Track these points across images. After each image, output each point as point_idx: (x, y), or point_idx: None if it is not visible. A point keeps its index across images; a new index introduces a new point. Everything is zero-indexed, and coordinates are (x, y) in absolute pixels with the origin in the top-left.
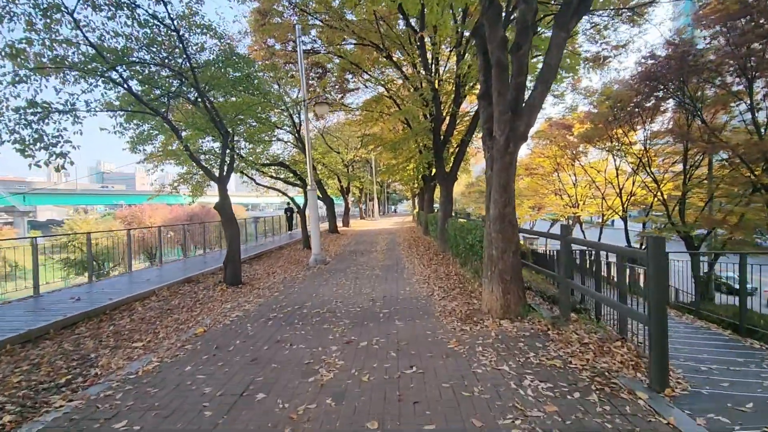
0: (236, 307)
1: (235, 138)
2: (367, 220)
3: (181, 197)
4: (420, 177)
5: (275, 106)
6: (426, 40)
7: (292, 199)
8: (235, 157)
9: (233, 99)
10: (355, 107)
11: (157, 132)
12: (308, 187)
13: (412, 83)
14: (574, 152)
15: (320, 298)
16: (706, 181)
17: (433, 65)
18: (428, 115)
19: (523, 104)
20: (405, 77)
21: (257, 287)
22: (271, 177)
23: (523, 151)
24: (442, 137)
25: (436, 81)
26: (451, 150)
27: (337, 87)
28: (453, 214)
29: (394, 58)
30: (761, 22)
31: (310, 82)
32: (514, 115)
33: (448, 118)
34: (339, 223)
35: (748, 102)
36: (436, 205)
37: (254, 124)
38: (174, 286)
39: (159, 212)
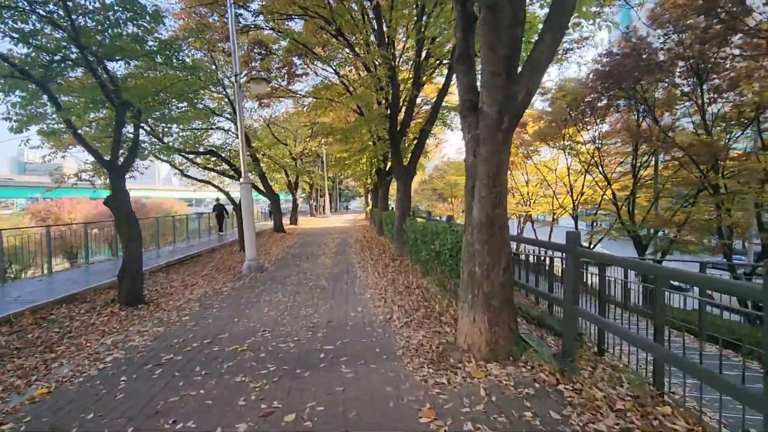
0: (120, 343)
1: (163, 124)
2: (317, 217)
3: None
4: (374, 171)
5: (205, 84)
6: (382, 8)
7: (227, 194)
8: (150, 141)
9: (154, 74)
10: (303, 94)
11: (47, 108)
12: (242, 180)
13: (364, 60)
14: (528, 150)
15: (243, 326)
16: (651, 182)
17: (391, 48)
18: (384, 101)
19: (518, 67)
20: (356, 54)
21: (163, 308)
22: (205, 168)
23: None
24: (399, 126)
25: (393, 59)
26: (408, 142)
27: (283, 72)
28: (411, 213)
29: (346, 35)
30: (713, 22)
31: (253, 64)
32: (509, 78)
33: (405, 106)
34: (286, 221)
35: (699, 102)
36: (392, 203)
37: (182, 105)
38: (47, 307)
39: (81, 207)
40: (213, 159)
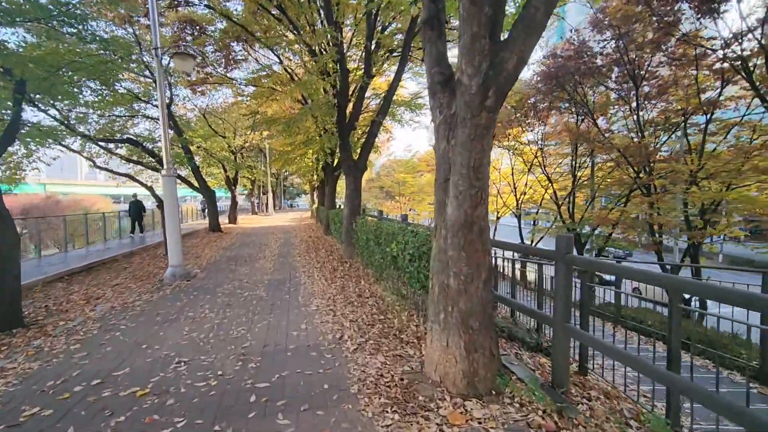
0: None
1: (76, 109)
2: (260, 215)
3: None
4: (320, 167)
5: (124, 61)
6: None
7: (150, 188)
8: (57, 126)
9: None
10: (241, 81)
11: None
12: (164, 172)
13: (310, 43)
14: None
15: (152, 356)
16: (588, 182)
17: (338, 33)
18: (332, 89)
19: (502, 33)
20: (300, 36)
21: (48, 332)
22: (128, 160)
23: (425, 147)
24: (348, 118)
25: (341, 43)
26: (358, 136)
27: (219, 56)
28: (361, 212)
29: (289, 14)
30: (647, 31)
31: (183, 46)
32: (495, 42)
33: (354, 97)
34: (224, 220)
35: (633, 107)
36: (339, 201)
37: (100, 89)
38: None
39: None
40: (139, 150)
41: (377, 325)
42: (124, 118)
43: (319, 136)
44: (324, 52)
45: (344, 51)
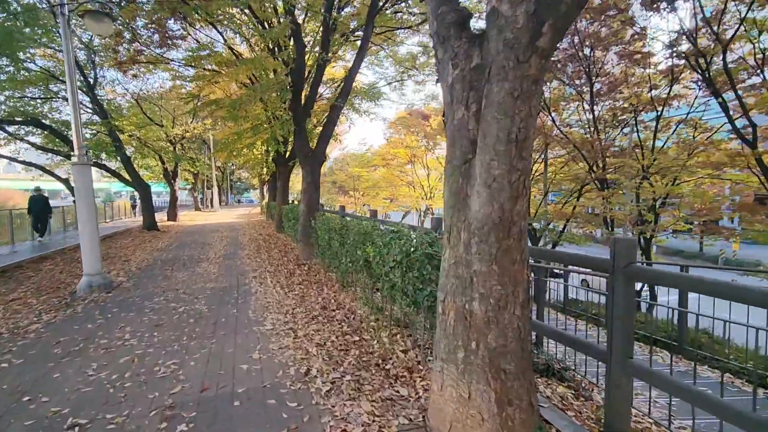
0: None
1: None
2: (204, 212)
3: None
4: (271, 159)
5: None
6: None
7: (65, 180)
8: None
9: None
10: (179, 63)
11: None
12: (75, 159)
13: (257, 12)
14: (430, 143)
15: (31, 417)
16: (541, 176)
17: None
18: (284, 66)
19: None
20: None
21: None
22: (37, 147)
23: (379, 140)
24: (304, 101)
25: (295, 10)
26: (313, 124)
27: (154, 34)
28: (320, 207)
29: None
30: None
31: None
32: None
33: (310, 79)
34: (163, 217)
35: (589, 103)
36: (292, 195)
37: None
38: None
39: None
40: (54, 138)
41: (352, 351)
42: (38, 101)
43: (269, 122)
44: (275, 24)
45: (299, 23)
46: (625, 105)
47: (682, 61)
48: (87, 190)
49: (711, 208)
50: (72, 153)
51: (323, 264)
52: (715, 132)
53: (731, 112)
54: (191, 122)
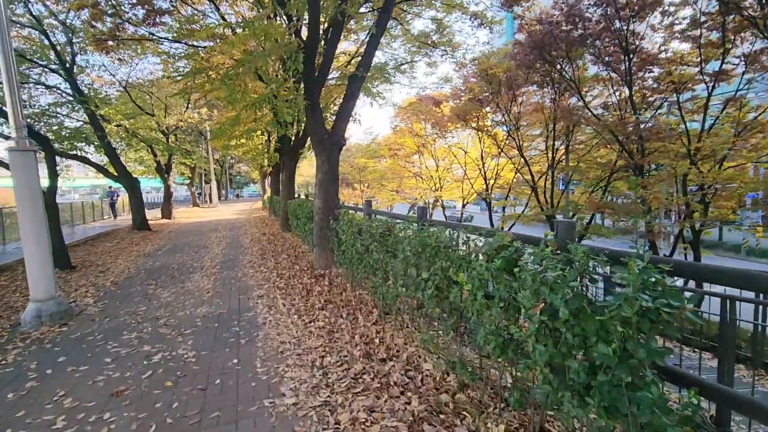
0: None
1: None
2: (203, 207)
3: None
4: (273, 148)
5: None
6: None
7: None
8: None
9: None
10: (163, 37)
11: None
12: (11, 144)
13: None
14: (441, 131)
15: None
16: (562, 165)
17: None
18: (289, 20)
19: None
20: None
21: None
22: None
23: (385, 130)
24: (318, 68)
25: None
26: (325, 102)
27: (137, 7)
28: (339, 206)
29: None
30: None
31: None
32: None
33: (324, 41)
34: (157, 214)
35: (627, 80)
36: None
37: None
38: None
39: None
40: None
41: None
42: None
43: (270, 101)
44: None
45: None
46: (661, 83)
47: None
48: (30, 184)
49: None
50: (7, 133)
51: (348, 275)
52: (764, 111)
53: None
54: (185, 111)
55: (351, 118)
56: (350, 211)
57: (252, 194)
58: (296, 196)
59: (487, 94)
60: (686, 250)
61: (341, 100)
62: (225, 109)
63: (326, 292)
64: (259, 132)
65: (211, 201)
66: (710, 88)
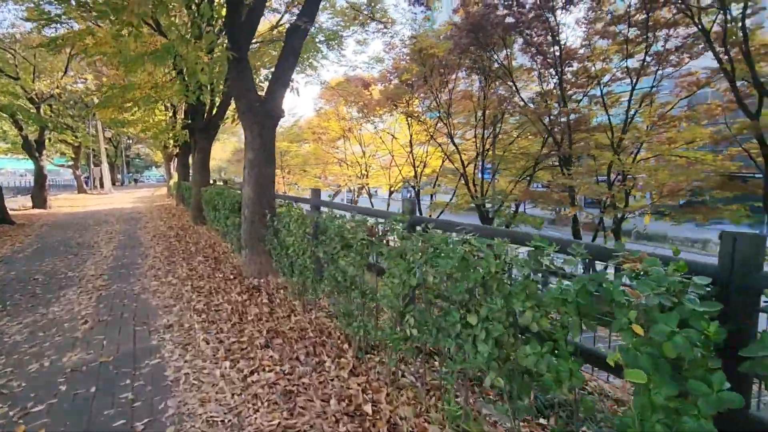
0: None
1: None
2: (93, 195)
3: None
4: (180, 125)
5: None
6: None
7: None
8: None
9: None
10: None
11: None
12: None
13: None
14: (369, 115)
15: None
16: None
17: None
18: None
19: None
20: None
21: None
22: None
23: (309, 112)
24: (246, 12)
25: None
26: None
27: None
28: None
29: None
30: None
31: None
32: None
33: None
34: (27, 202)
35: (558, 70)
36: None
37: None
38: None
39: None
40: None
41: None
42: None
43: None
44: None
45: None
46: (579, 77)
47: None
48: None
49: (676, 187)
50: None
51: (296, 288)
52: (671, 108)
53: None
54: (62, 76)
55: (288, 87)
56: (296, 204)
57: (159, 179)
58: (212, 182)
59: (416, 79)
60: (606, 237)
61: (276, 63)
62: (117, 75)
63: (267, 315)
64: (160, 105)
65: (102, 187)
66: (634, 83)
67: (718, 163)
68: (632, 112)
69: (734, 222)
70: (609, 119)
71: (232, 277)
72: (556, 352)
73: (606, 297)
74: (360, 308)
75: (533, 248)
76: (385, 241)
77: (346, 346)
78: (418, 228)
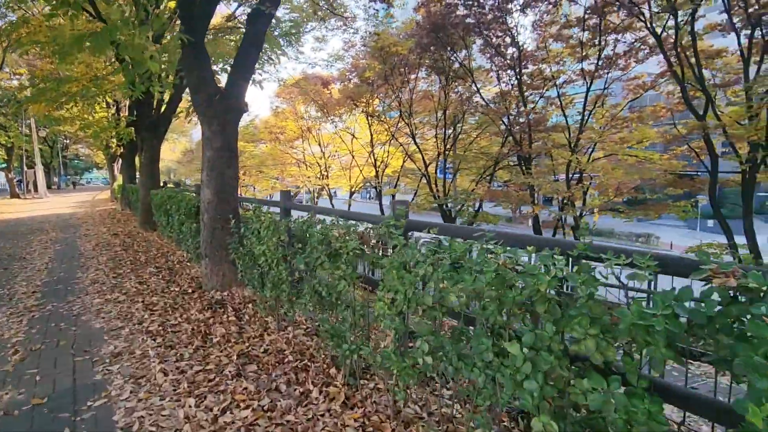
0: None
1: None
2: (26, 199)
3: None
4: (124, 123)
5: None
6: None
7: None
8: None
9: None
10: None
11: None
12: None
13: None
14: (328, 115)
15: None
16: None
17: None
18: None
19: None
20: None
21: None
22: None
23: (265, 111)
24: None
25: None
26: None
27: None
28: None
29: None
30: None
31: None
32: None
33: None
34: None
35: (517, 71)
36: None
37: None
38: None
39: None
40: None
41: None
42: None
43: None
44: None
45: None
46: (534, 79)
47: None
48: None
49: (624, 184)
50: None
51: (267, 301)
52: (621, 110)
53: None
54: None
55: (251, 78)
56: (263, 208)
57: (102, 182)
58: (162, 184)
59: (377, 77)
60: (565, 234)
61: (237, 51)
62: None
63: (236, 335)
64: (101, 101)
65: (36, 191)
66: (588, 85)
67: (665, 162)
68: (587, 113)
69: (681, 218)
70: (566, 119)
71: (190, 290)
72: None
73: (723, 327)
74: (352, 328)
75: (580, 258)
76: (380, 251)
77: (333, 370)
78: (417, 234)
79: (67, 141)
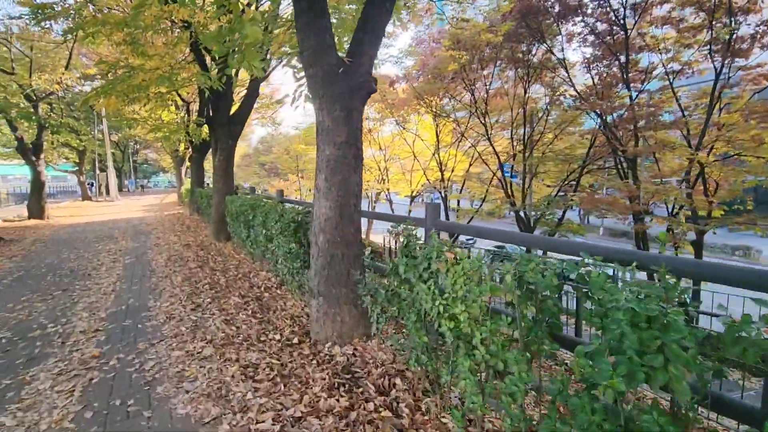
0: None
1: None
2: (97, 202)
3: None
4: (195, 120)
5: None
6: None
7: None
8: None
9: None
10: None
11: None
12: None
13: None
14: (392, 115)
15: None
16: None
17: None
18: None
19: None
20: None
21: None
22: None
23: (296, 120)
24: None
25: None
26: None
27: None
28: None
29: None
30: None
31: None
32: None
33: None
34: (24, 211)
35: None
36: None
37: None
38: None
39: None
40: None
41: None
42: None
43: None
44: None
45: None
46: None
47: None
48: None
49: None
50: None
51: (426, 373)
52: (744, 103)
53: None
54: (63, 71)
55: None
56: (414, 230)
57: (168, 185)
58: (234, 190)
59: (449, 73)
60: (677, 250)
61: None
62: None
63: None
64: (170, 104)
65: (108, 193)
66: (718, 73)
67: None
68: (717, 106)
69: None
70: (683, 113)
71: (295, 339)
72: None
73: None
74: None
75: None
76: None
77: None
78: None
79: (137, 146)
